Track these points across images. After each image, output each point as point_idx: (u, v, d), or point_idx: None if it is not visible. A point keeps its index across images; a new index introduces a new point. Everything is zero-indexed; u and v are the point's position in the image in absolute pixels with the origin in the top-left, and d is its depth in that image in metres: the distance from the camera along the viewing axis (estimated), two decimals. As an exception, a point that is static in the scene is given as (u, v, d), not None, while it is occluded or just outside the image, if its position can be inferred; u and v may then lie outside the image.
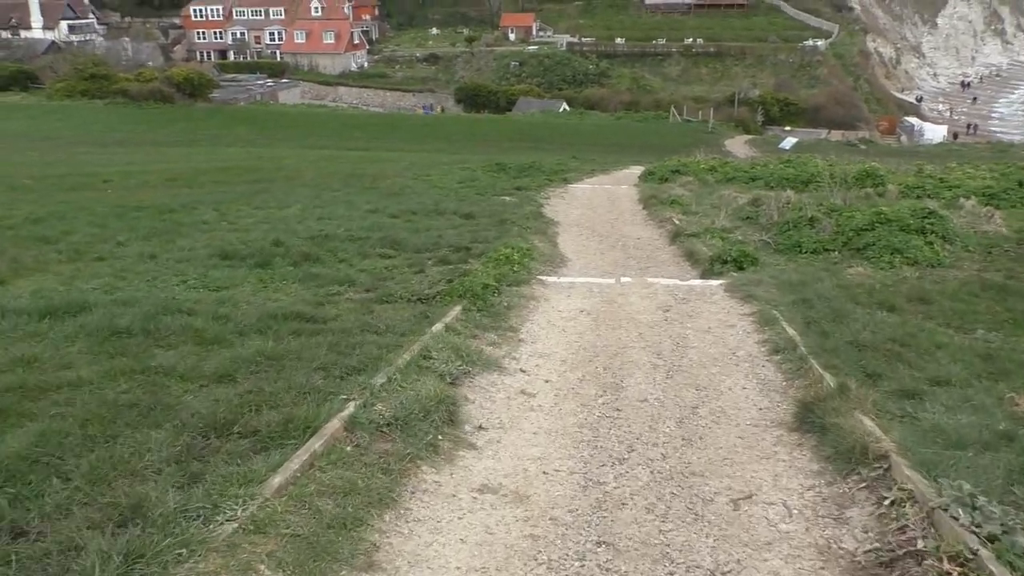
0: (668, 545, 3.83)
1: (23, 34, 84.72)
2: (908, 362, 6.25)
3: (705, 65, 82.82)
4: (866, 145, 50.59)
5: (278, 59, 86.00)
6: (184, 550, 3.15)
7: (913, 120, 65.82)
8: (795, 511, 4.12)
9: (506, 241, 10.51)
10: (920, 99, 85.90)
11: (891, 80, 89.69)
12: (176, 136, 45.89)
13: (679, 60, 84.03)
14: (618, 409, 5.48)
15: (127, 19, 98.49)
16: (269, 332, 6.01)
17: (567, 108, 67.55)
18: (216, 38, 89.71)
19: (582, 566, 3.66)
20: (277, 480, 3.69)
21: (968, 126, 71.62)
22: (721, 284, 9.02)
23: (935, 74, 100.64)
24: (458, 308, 7.25)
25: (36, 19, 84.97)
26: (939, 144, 54.64)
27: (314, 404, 4.52)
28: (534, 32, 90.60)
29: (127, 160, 28.94)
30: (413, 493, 4.12)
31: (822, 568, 3.65)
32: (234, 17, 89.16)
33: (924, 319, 7.74)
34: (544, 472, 4.52)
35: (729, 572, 3.63)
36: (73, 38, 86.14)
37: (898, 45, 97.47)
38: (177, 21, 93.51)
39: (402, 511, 3.92)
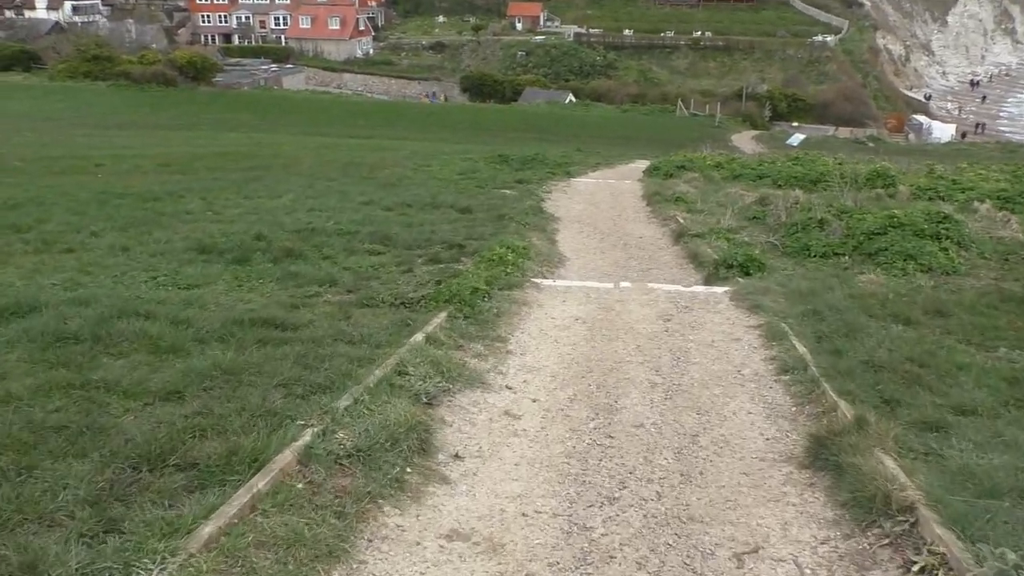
0: (661, 609, 3.32)
1: (27, 14, 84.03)
2: (928, 386, 5.73)
3: (713, 59, 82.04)
4: (874, 143, 49.94)
5: (283, 44, 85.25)
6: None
7: (922, 118, 65.07)
8: (807, 570, 3.60)
9: (502, 239, 10.00)
10: (929, 97, 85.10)
11: (900, 77, 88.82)
12: (177, 120, 45.31)
13: (687, 53, 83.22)
14: (611, 436, 4.96)
15: (132, 1, 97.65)
16: (232, 340, 5.48)
17: (573, 99, 66.87)
18: (221, 21, 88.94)
19: (561, 634, 3.16)
20: (208, 529, 3.16)
21: (976, 125, 70.87)
22: (726, 291, 8.49)
23: (944, 72, 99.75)
24: (443, 315, 6.74)
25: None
26: (948, 143, 54.01)
27: (266, 431, 3.99)
28: (541, 22, 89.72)
29: (124, 143, 28.44)
30: (371, 541, 3.58)
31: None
32: (239, 1, 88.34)
33: (942, 334, 7.24)
34: (524, 514, 3.99)
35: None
36: (77, 19, 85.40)
37: (908, 42, 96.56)
38: (182, 3, 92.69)
39: (355, 566, 3.37)
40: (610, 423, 5.16)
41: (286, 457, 3.78)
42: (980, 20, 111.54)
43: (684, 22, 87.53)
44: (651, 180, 18.54)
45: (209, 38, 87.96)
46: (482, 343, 6.44)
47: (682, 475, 4.49)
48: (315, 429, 4.09)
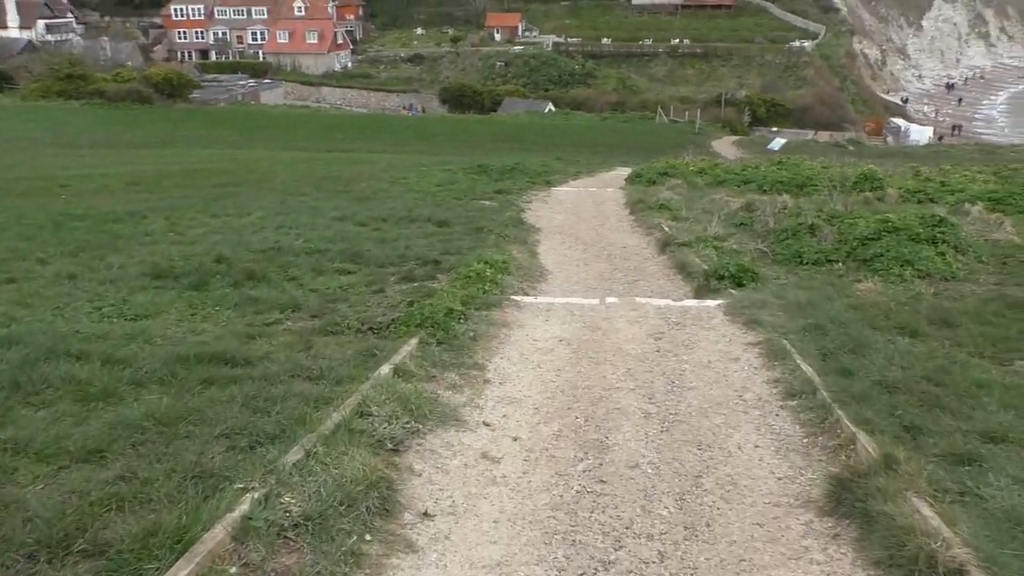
0: None
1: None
2: (949, 409, 5.20)
3: (692, 66, 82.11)
4: (854, 146, 49.80)
5: (261, 59, 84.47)
6: None
7: (899, 121, 65.25)
8: (842, 651, 3.04)
9: (480, 254, 9.44)
10: (906, 100, 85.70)
11: (877, 81, 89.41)
12: (151, 138, 44.39)
13: (666, 61, 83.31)
14: (602, 481, 4.36)
15: (106, 18, 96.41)
16: (173, 382, 4.85)
17: (553, 109, 66.53)
18: (197, 38, 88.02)
19: None
20: (108, 640, 2.56)
21: (953, 127, 71.37)
22: (719, 305, 7.94)
23: (920, 76, 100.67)
24: (414, 341, 6.14)
25: (12, 18, 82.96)
26: (926, 145, 54.07)
27: (197, 500, 3.37)
28: (520, 32, 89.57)
29: (93, 163, 27.64)
30: (315, 640, 2.98)
31: None
32: (216, 17, 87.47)
33: (952, 347, 6.74)
34: (503, 588, 3.40)
35: None
36: (50, 37, 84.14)
37: (884, 47, 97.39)
38: (157, 20, 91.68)
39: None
40: (601, 464, 4.58)
41: (217, 534, 3.13)
42: (955, 24, 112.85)
43: (662, 30, 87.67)
44: (634, 187, 18.06)
45: (186, 54, 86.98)
46: (457, 372, 5.84)
47: (686, 528, 3.90)
48: (256, 494, 3.44)
